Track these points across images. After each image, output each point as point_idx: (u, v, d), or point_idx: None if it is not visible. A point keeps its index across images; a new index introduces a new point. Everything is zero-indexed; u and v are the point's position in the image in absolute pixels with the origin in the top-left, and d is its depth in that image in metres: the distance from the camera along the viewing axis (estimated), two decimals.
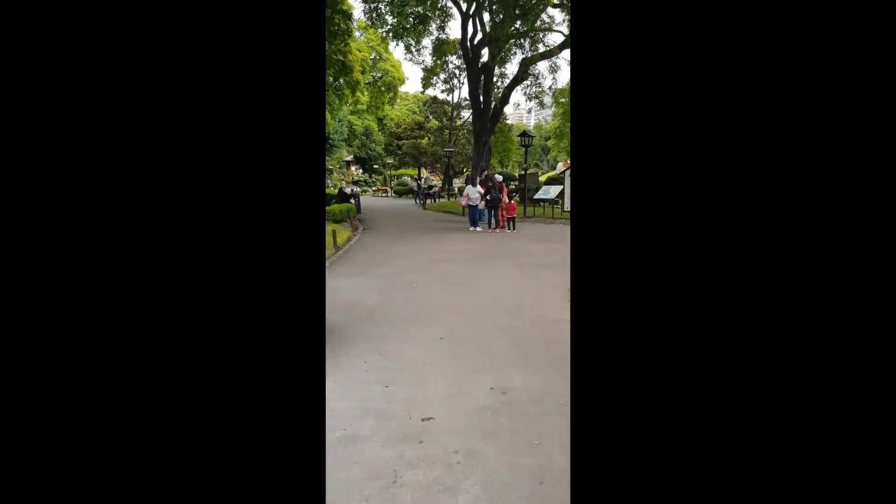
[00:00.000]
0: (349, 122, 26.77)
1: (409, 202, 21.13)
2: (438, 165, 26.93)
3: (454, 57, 18.61)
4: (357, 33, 15.74)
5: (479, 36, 14.17)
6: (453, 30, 36.28)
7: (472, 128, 17.02)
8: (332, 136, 24.36)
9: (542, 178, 18.22)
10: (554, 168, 27.74)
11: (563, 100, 16.30)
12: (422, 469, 1.85)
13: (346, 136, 27.00)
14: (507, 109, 16.67)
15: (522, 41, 14.66)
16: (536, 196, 12.40)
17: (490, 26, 13.47)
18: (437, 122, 24.47)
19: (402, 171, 28.76)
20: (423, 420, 2.23)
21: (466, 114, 22.25)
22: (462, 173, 23.77)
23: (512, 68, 23.30)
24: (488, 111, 14.89)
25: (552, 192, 12.20)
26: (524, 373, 2.74)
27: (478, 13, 13.86)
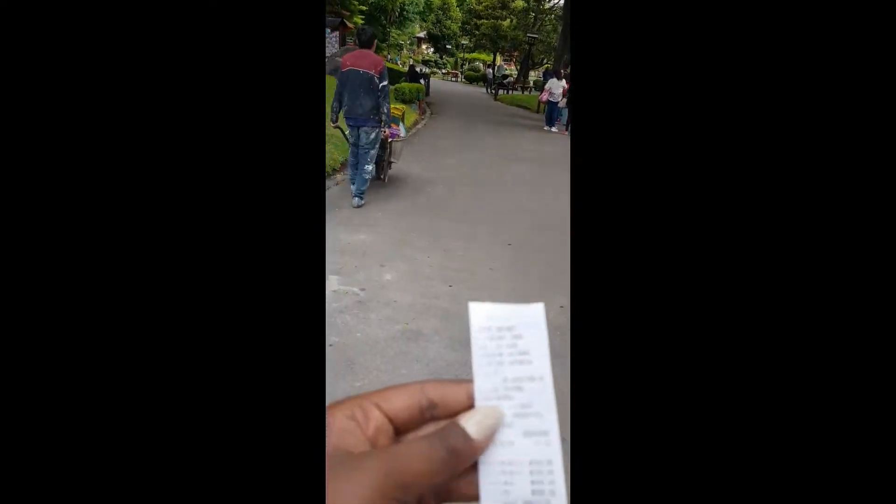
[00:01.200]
0: None
1: (479, 90, 19.95)
2: (516, 53, 24.77)
3: None
4: None
5: None
6: None
7: (561, 13, 15.13)
8: (406, 6, 22.58)
9: None
10: None
11: None
12: None
13: (421, 8, 24.97)
14: None
15: None
16: None
17: None
18: (522, 3, 21.97)
19: (475, 54, 26.76)
20: None
21: None
22: (541, 65, 21.81)
23: None
24: None
25: None
26: None
27: None
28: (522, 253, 3.02)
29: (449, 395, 0.24)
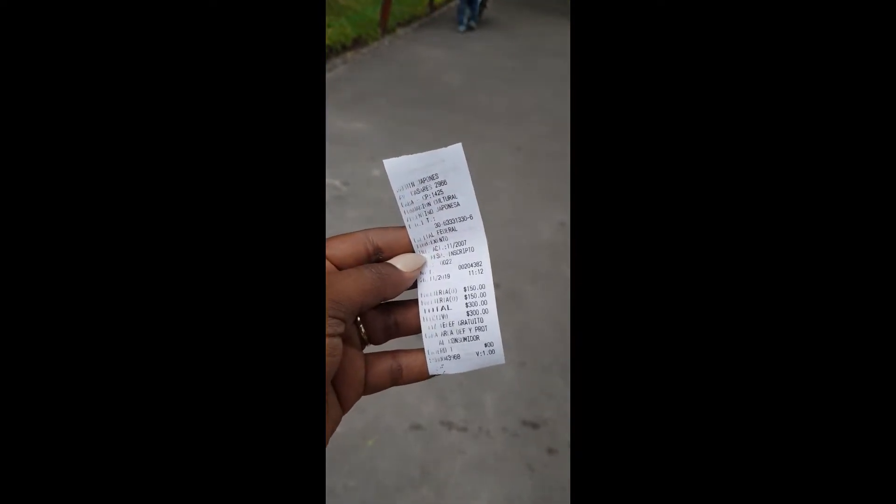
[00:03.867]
0: None
1: None
2: None
3: None
4: None
5: None
6: None
7: None
8: None
9: None
10: None
11: None
12: None
13: None
14: None
15: None
16: None
17: None
18: None
19: None
20: None
21: None
22: None
23: None
24: None
25: None
26: None
27: None
28: (531, 160, 2.74)
29: (393, 240, 0.26)
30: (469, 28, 5.32)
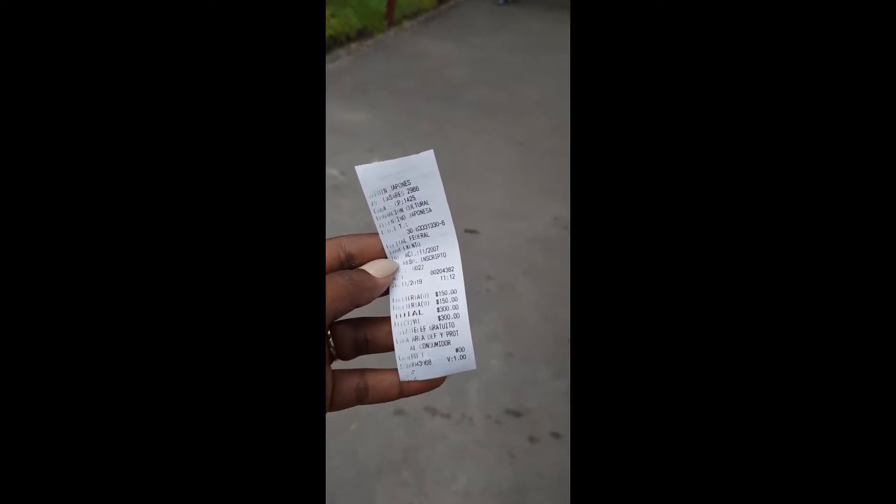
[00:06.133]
0: None
1: None
2: None
3: None
4: None
5: None
6: None
7: None
8: None
9: None
10: None
11: None
12: None
13: None
14: None
15: None
16: None
17: None
18: None
19: None
20: (465, 231, 1.97)
21: None
22: None
23: None
24: None
25: None
26: None
27: None
28: (531, 155, 2.74)
29: (365, 246, 0.26)
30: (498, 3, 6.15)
